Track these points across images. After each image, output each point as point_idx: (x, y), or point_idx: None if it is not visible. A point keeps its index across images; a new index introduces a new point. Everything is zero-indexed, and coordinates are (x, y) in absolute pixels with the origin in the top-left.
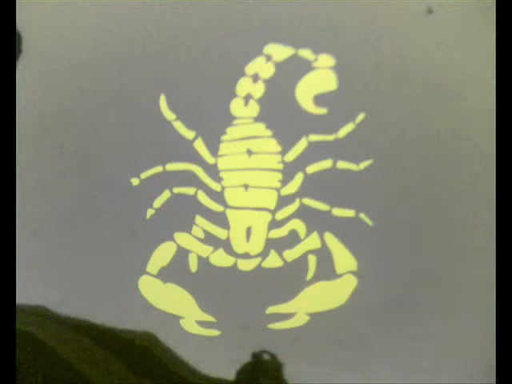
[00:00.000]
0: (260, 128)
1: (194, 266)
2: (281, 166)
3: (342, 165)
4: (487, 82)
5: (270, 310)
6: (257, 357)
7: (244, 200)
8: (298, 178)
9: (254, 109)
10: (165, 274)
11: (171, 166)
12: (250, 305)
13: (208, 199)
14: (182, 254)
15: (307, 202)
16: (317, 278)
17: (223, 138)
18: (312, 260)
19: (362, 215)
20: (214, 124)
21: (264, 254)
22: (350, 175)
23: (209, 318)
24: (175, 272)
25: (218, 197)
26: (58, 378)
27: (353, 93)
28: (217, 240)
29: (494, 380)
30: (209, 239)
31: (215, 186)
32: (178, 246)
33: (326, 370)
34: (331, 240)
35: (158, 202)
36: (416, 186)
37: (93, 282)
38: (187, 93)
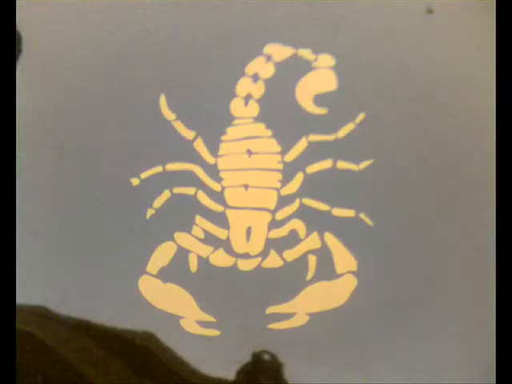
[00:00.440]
0: (260, 128)
1: (194, 265)
2: (281, 166)
3: (342, 165)
4: (487, 82)
5: (270, 310)
6: (257, 357)
7: (244, 200)
8: (298, 178)
9: (254, 109)
10: (165, 274)
11: (171, 166)
12: (250, 305)
13: (208, 199)
14: (182, 254)
15: (307, 201)
16: (317, 278)
17: (223, 137)
18: (312, 260)
19: (362, 215)
20: (213, 124)
21: (264, 254)
22: (349, 175)
23: (209, 318)
24: (175, 272)
25: (218, 197)
26: (58, 377)
27: (353, 93)
28: (217, 240)
29: (494, 380)
30: (209, 239)
31: (215, 186)
32: (178, 245)
33: (326, 370)
34: (331, 240)
35: (158, 202)
36: (416, 186)
37: (93, 282)
38: (187, 93)
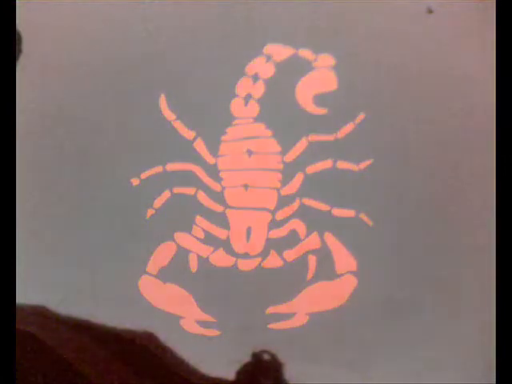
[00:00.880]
0: (260, 128)
1: (194, 265)
2: (281, 166)
3: (342, 165)
4: (487, 81)
5: (270, 310)
6: (257, 357)
7: (244, 200)
8: (298, 178)
9: (254, 109)
10: (165, 274)
11: (171, 166)
12: (250, 305)
13: (208, 199)
14: (181, 254)
15: (307, 201)
16: (317, 278)
17: (223, 138)
18: (312, 260)
19: (362, 215)
20: (214, 124)
21: (264, 254)
22: (349, 175)
23: (209, 318)
24: (175, 272)
25: (218, 197)
26: (58, 377)
27: (353, 93)
28: (217, 240)
29: (494, 380)
30: (209, 239)
31: (215, 186)
32: (178, 245)
33: (326, 370)
34: (331, 240)
35: (158, 202)
36: (416, 186)
37: (93, 282)
38: (187, 93)
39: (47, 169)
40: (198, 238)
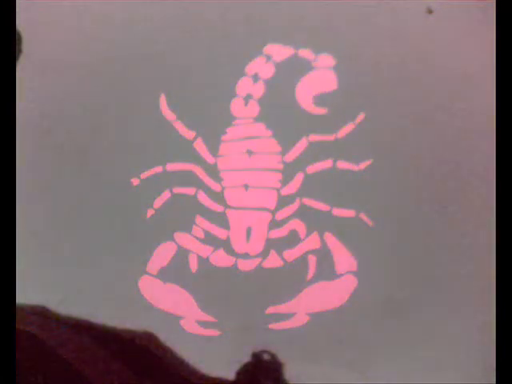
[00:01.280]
0: (260, 128)
1: (194, 265)
2: (281, 166)
3: (342, 165)
4: (487, 81)
5: (270, 310)
6: (257, 357)
7: (244, 200)
8: (298, 178)
9: (254, 109)
10: (165, 274)
11: (171, 166)
12: (250, 305)
13: (208, 199)
14: (182, 254)
15: (307, 201)
16: (317, 278)
17: (223, 138)
18: (312, 260)
19: (362, 215)
20: (214, 124)
21: (264, 254)
22: (349, 175)
23: (209, 317)
24: (175, 272)
25: (218, 197)
26: (58, 377)
27: (353, 93)
28: (217, 240)
29: (494, 380)
30: (209, 239)
31: (215, 186)
32: (178, 245)
33: (326, 370)
34: (331, 240)
35: (158, 202)
36: (416, 186)
37: (93, 282)
38: (187, 93)
39: (47, 169)
40: (198, 238)
